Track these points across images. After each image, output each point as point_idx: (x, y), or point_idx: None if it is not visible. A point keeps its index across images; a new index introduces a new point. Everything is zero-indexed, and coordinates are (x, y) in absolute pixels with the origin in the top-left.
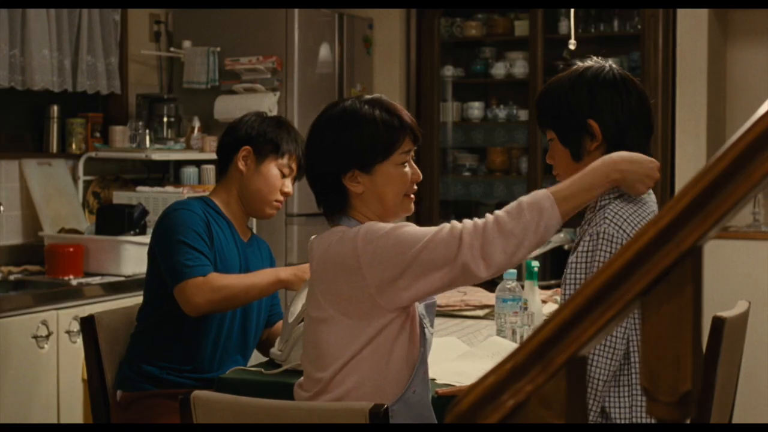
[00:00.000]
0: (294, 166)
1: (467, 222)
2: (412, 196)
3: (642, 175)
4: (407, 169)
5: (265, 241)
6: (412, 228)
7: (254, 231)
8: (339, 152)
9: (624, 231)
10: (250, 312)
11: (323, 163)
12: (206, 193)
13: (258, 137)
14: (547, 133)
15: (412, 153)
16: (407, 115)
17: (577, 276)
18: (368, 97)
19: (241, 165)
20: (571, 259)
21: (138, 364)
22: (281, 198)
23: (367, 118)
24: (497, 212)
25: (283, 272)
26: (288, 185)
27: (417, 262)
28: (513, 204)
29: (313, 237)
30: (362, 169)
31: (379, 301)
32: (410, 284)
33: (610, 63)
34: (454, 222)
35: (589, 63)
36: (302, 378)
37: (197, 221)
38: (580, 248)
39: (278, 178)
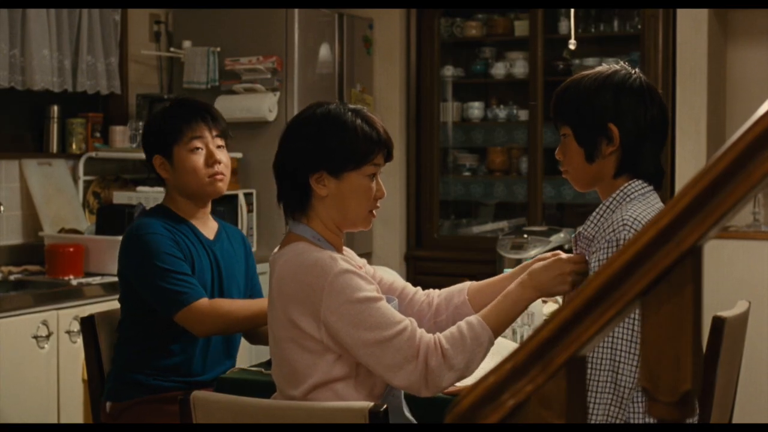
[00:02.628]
0: (206, 133)
1: (425, 337)
2: (374, 212)
3: (557, 276)
4: (374, 183)
5: (235, 228)
6: (382, 309)
7: (246, 229)
8: (314, 151)
9: None
10: None
11: (295, 158)
12: (161, 197)
13: (157, 140)
14: (562, 128)
15: (380, 169)
16: (385, 131)
17: None
18: (351, 106)
19: (162, 173)
20: (594, 266)
21: (124, 374)
22: (216, 170)
23: (348, 124)
24: (443, 343)
25: None
26: (214, 154)
27: (374, 346)
28: (455, 334)
29: (275, 251)
30: (331, 173)
31: (327, 344)
32: (359, 354)
33: (636, 70)
34: (414, 325)
35: (615, 67)
36: (276, 393)
37: (166, 242)
38: (601, 255)
39: (195, 159)
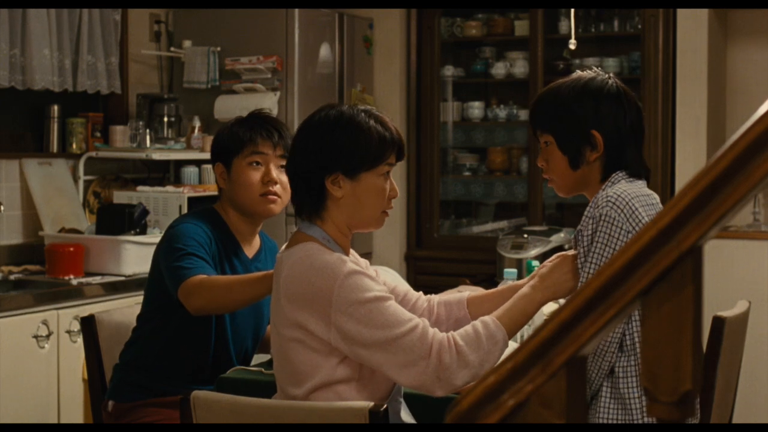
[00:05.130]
0: (269, 150)
1: (437, 335)
2: (387, 212)
3: (564, 273)
4: (387, 183)
5: (275, 244)
6: (392, 307)
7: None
8: (329, 153)
9: (624, 213)
10: (246, 336)
11: (310, 160)
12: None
13: (221, 148)
14: (543, 136)
15: (393, 168)
16: (396, 131)
17: (596, 258)
18: (362, 107)
19: (221, 183)
20: (580, 243)
21: (129, 374)
22: (270, 189)
23: (362, 125)
24: (457, 340)
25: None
26: (271, 173)
27: (386, 345)
28: (470, 332)
29: (282, 249)
30: (347, 174)
31: (336, 346)
32: (371, 353)
33: (610, 74)
34: (426, 323)
35: (591, 73)
36: (277, 393)
37: (199, 233)
38: (585, 232)
39: (251, 174)
